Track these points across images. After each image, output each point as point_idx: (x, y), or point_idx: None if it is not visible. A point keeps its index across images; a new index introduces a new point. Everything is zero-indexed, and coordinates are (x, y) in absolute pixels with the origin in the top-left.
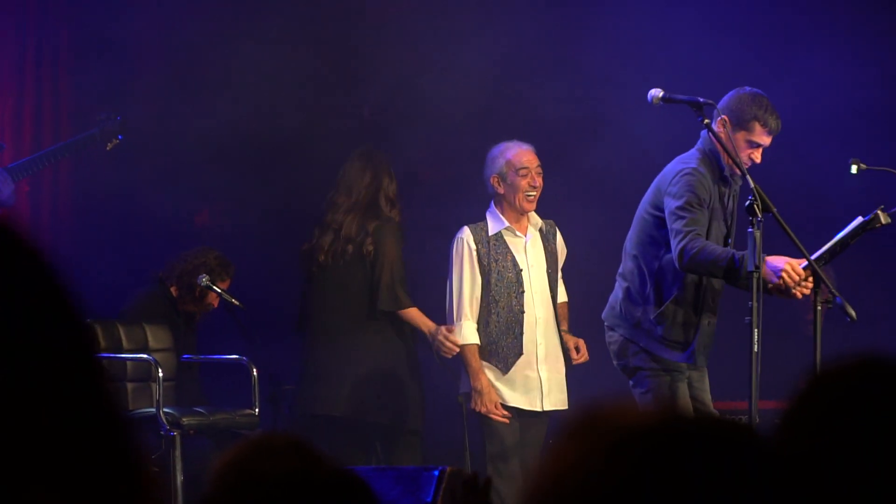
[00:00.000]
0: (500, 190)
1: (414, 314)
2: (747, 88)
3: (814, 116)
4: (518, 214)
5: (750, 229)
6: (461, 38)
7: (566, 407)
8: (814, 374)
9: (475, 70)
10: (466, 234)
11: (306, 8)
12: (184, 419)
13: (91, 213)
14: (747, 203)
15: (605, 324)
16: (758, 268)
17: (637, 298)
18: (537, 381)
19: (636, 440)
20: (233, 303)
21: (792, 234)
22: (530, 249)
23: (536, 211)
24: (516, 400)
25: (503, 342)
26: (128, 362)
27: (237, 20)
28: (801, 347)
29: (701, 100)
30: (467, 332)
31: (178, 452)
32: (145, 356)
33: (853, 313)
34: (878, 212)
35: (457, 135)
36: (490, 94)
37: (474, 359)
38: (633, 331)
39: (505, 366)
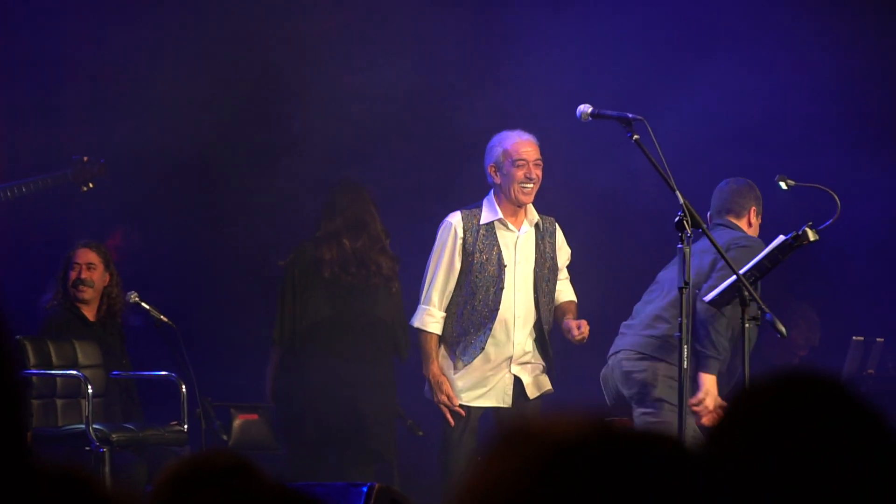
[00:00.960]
0: (497, 180)
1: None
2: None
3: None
4: (514, 207)
5: (679, 245)
6: (377, 60)
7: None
8: (741, 390)
9: (393, 90)
10: (456, 220)
11: (222, 30)
12: (113, 435)
13: None
14: (676, 219)
15: (639, 352)
16: (687, 283)
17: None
18: (508, 381)
19: (567, 454)
20: (161, 320)
21: (720, 250)
22: (521, 245)
23: (536, 206)
24: (477, 399)
25: (472, 337)
26: (57, 379)
27: (154, 39)
28: None
29: (630, 115)
30: (426, 319)
31: (107, 469)
32: (74, 372)
33: (783, 329)
34: (807, 228)
35: (371, 156)
36: (409, 113)
37: (427, 345)
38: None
39: (468, 361)
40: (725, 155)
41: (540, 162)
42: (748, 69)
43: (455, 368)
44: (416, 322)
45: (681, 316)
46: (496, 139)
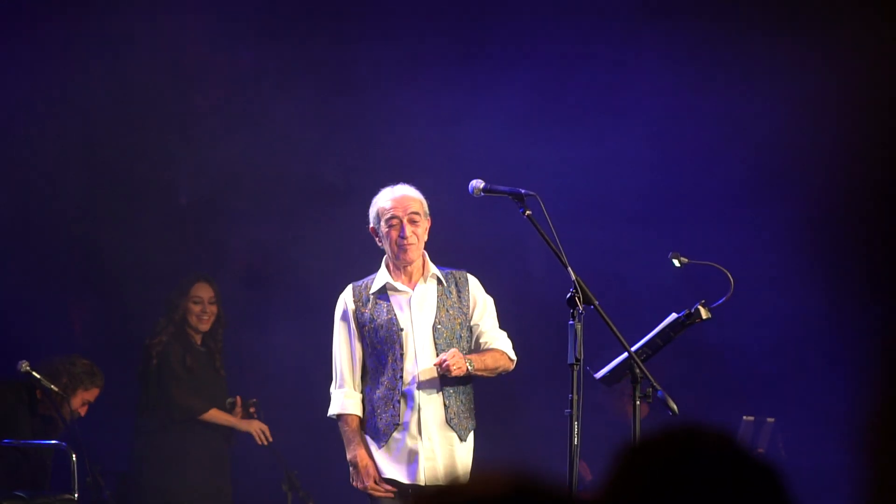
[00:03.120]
0: (378, 242)
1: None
2: None
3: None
4: (403, 266)
5: (571, 322)
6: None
7: (456, 480)
8: (632, 445)
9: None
10: (346, 293)
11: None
12: (3, 503)
13: None
14: (568, 295)
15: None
16: (578, 360)
17: None
18: (418, 453)
19: None
20: (51, 388)
21: (613, 326)
22: (417, 304)
23: (446, 261)
24: (395, 472)
25: (382, 412)
26: None
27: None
28: None
29: (522, 191)
30: (340, 401)
31: None
32: None
33: (675, 406)
34: (699, 307)
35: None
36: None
37: (349, 429)
38: None
39: (383, 438)
40: (618, 229)
41: (416, 216)
42: (640, 141)
43: (373, 448)
44: (335, 409)
45: (571, 392)
46: (374, 199)
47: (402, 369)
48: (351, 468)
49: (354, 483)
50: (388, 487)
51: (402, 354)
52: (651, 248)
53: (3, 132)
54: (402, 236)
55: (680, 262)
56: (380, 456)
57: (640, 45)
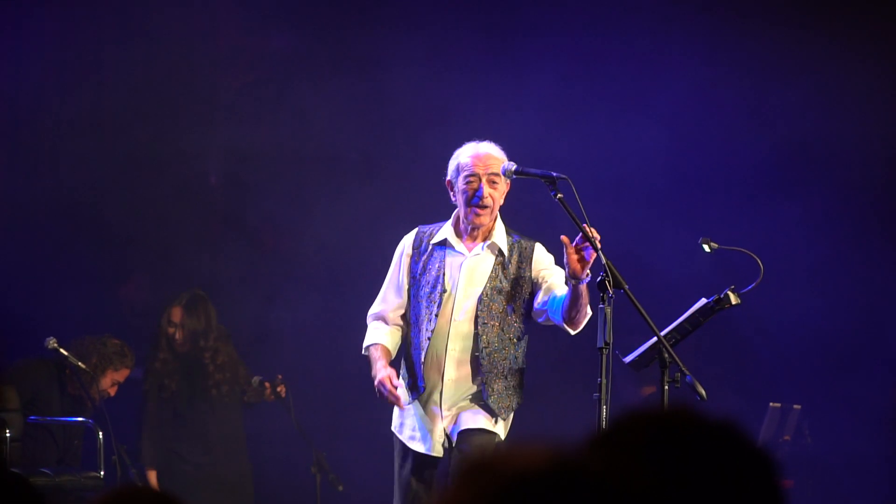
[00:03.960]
0: (452, 197)
1: None
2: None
3: (675, 192)
4: (468, 226)
5: (601, 305)
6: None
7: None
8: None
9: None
10: (409, 236)
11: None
12: (30, 480)
13: None
14: (599, 279)
15: None
16: (607, 344)
17: None
18: (434, 423)
19: (522, 487)
20: (79, 366)
21: (642, 311)
22: (467, 269)
23: (520, 227)
24: (413, 442)
25: (408, 372)
26: None
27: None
28: None
29: (554, 174)
30: (367, 337)
31: None
32: None
33: (703, 392)
34: (729, 292)
35: None
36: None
37: (374, 353)
38: None
39: (414, 397)
40: (649, 214)
41: (496, 178)
42: (673, 130)
43: (408, 407)
44: (364, 345)
45: (600, 376)
46: (456, 152)
47: (432, 331)
48: (375, 382)
49: (378, 394)
50: (397, 395)
51: (436, 315)
52: (681, 233)
53: (34, 113)
54: (480, 195)
55: (710, 247)
56: (408, 420)
57: (668, 33)
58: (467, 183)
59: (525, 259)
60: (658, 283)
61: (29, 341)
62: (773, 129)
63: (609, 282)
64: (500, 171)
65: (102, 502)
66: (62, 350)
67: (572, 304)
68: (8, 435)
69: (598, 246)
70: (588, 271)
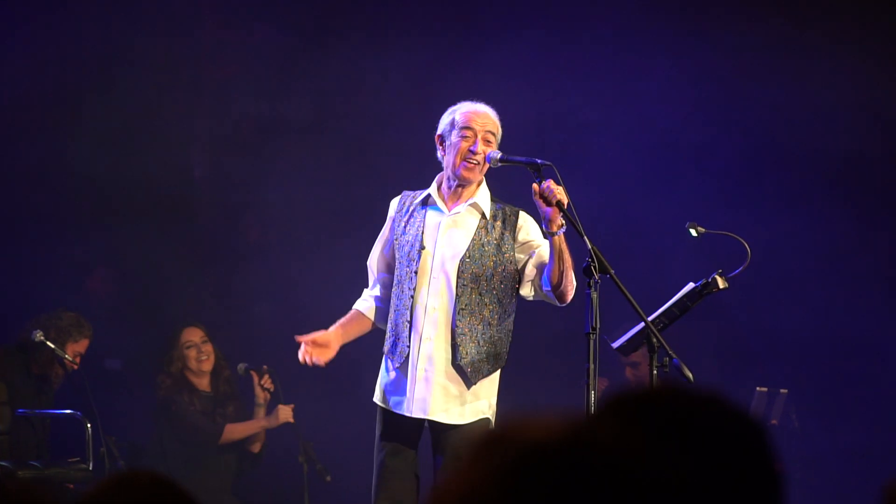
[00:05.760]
0: (441, 152)
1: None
2: None
3: (657, 176)
4: (455, 184)
5: (588, 290)
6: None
7: (448, 420)
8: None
9: None
10: (394, 201)
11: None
12: (18, 472)
13: None
14: (585, 265)
15: None
16: (594, 329)
17: None
18: (410, 382)
19: (540, 458)
20: (65, 359)
21: (629, 296)
22: (446, 228)
23: (505, 196)
24: (389, 400)
25: (392, 334)
26: None
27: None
28: None
29: (539, 161)
30: (357, 303)
31: None
32: None
33: (690, 374)
34: (717, 276)
35: None
36: None
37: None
38: None
39: (399, 361)
40: (635, 198)
41: (492, 137)
42: (663, 114)
43: (387, 370)
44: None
45: (588, 362)
46: (450, 108)
47: (413, 290)
48: None
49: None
50: (309, 353)
51: (416, 272)
52: (670, 217)
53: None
54: (473, 150)
55: (697, 231)
56: (387, 379)
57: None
58: (463, 137)
59: (509, 226)
60: (647, 267)
61: None
62: (757, 114)
63: (594, 267)
64: (494, 132)
65: (101, 487)
66: (49, 343)
67: (554, 264)
68: None
69: (582, 231)
70: (562, 220)
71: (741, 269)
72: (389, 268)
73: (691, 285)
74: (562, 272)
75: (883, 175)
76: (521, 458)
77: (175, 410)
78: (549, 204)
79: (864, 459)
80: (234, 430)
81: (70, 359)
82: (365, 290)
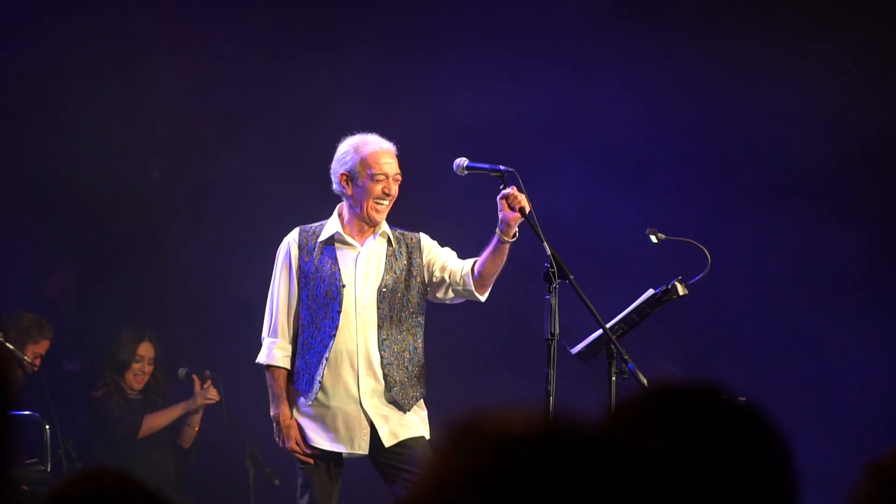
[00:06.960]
0: (348, 191)
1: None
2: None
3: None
4: (361, 222)
5: (547, 296)
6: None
7: (416, 435)
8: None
9: None
10: (292, 236)
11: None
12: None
13: None
14: (544, 270)
15: None
16: (553, 335)
17: None
18: (361, 425)
19: (515, 449)
20: (24, 360)
21: (588, 302)
22: (363, 262)
23: (403, 222)
24: (319, 439)
25: (312, 371)
26: None
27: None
28: None
29: (502, 168)
30: (271, 351)
31: None
32: None
33: (645, 380)
34: (676, 283)
35: None
36: None
37: (275, 384)
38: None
39: (309, 399)
40: (595, 204)
41: (399, 177)
42: (623, 119)
43: (301, 408)
44: (263, 358)
45: (548, 367)
46: (351, 144)
47: (336, 328)
48: (274, 424)
49: (277, 440)
50: (309, 453)
51: (339, 311)
52: (630, 223)
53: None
54: (387, 194)
55: (657, 237)
56: (304, 418)
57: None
58: (377, 181)
59: (413, 248)
60: (607, 273)
61: None
62: (717, 120)
63: (553, 272)
64: (398, 170)
65: (67, 484)
66: (8, 345)
67: (492, 260)
68: None
69: (543, 236)
70: (517, 231)
71: (701, 275)
72: (295, 310)
73: (651, 291)
74: (493, 272)
75: (838, 182)
76: (499, 449)
77: (95, 410)
78: (511, 209)
79: (823, 470)
80: (154, 420)
81: (30, 360)
82: (276, 339)
